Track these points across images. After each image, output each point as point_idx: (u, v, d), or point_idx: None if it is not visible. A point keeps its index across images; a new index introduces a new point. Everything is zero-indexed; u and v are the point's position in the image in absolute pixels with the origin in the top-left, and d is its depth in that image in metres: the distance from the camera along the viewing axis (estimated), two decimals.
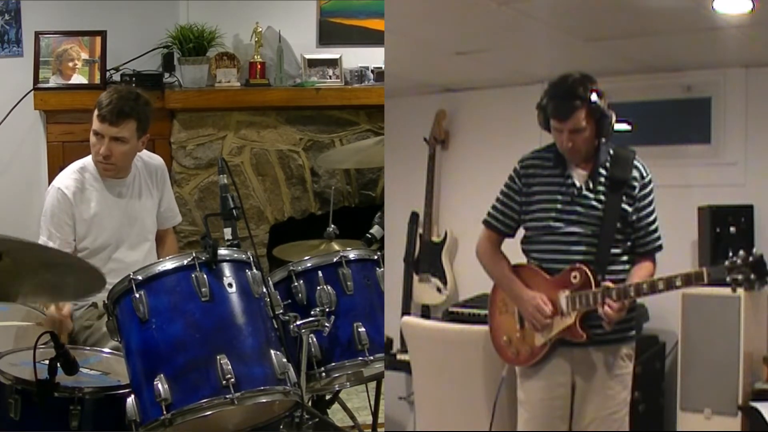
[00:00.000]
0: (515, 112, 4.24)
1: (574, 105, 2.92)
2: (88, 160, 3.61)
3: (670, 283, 2.80)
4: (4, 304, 3.13)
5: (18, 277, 2.49)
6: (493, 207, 3.15)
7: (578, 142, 2.96)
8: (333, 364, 2.95)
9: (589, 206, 2.98)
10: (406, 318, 3.97)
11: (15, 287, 2.56)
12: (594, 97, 2.92)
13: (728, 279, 2.71)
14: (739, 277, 2.69)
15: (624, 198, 2.97)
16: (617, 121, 3.01)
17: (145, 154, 3.73)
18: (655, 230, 3.02)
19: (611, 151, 3.02)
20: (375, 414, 3.53)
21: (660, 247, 3.03)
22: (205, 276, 2.65)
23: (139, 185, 3.69)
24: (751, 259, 2.69)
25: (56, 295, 2.99)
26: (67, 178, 3.57)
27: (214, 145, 5.08)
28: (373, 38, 5.15)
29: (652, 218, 3.02)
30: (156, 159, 3.81)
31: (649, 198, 3.01)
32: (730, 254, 2.73)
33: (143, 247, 3.69)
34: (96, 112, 3.50)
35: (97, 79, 4.92)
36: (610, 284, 2.87)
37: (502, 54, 3.93)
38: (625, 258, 3.01)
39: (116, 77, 4.97)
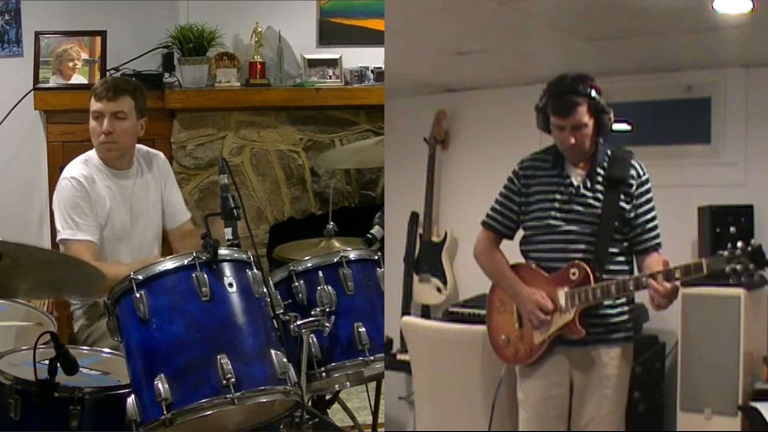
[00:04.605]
0: (515, 112, 4.23)
1: (576, 101, 2.93)
2: (91, 153, 3.62)
3: (669, 275, 2.80)
4: (4, 304, 3.13)
5: (18, 276, 2.48)
6: (492, 208, 3.16)
7: (580, 138, 2.96)
8: (333, 364, 2.94)
9: (587, 204, 2.99)
10: (406, 318, 3.97)
11: (16, 285, 2.55)
12: (594, 93, 2.93)
13: (727, 269, 2.71)
14: (738, 267, 2.70)
15: (622, 196, 2.98)
16: (616, 121, 3.02)
17: (145, 149, 3.75)
18: (654, 228, 3.02)
19: (609, 152, 3.03)
20: (375, 414, 3.53)
21: (659, 245, 3.03)
22: (205, 276, 2.65)
23: (144, 178, 3.69)
24: (749, 248, 2.70)
25: (57, 292, 2.99)
26: (75, 169, 3.56)
27: (214, 145, 5.08)
28: (373, 38, 5.15)
29: (650, 216, 3.02)
30: (157, 153, 3.82)
31: (647, 196, 3.02)
32: (729, 245, 2.73)
33: (146, 239, 3.68)
34: (93, 97, 3.53)
35: (97, 79, 4.91)
36: (659, 267, 2.84)
37: (502, 54, 3.93)
38: (622, 258, 3.01)
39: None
